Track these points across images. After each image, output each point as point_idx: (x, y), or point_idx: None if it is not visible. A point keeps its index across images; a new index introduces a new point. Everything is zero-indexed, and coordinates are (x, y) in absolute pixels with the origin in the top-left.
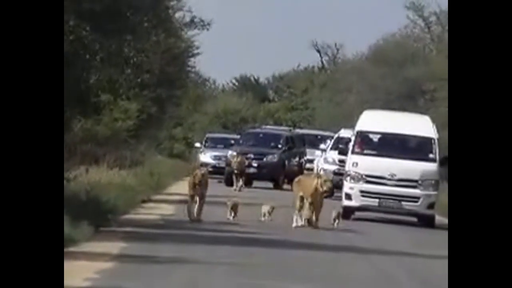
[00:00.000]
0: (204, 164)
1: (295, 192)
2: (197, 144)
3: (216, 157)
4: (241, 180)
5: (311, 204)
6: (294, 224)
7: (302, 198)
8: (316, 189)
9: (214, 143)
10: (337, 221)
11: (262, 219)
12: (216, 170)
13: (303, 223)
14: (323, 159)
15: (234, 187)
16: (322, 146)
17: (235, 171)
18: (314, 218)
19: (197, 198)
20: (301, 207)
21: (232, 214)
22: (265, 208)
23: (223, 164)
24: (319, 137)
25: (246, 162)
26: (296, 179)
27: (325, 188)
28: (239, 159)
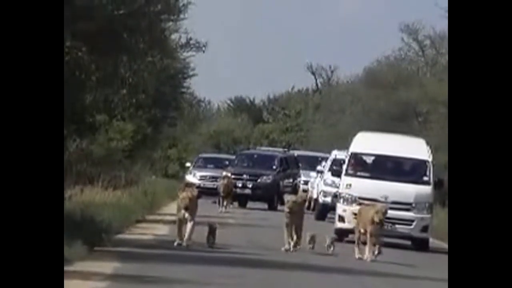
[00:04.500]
0: (190, 184)
1: (356, 223)
2: (188, 164)
3: (202, 177)
4: (225, 202)
5: (370, 235)
6: (356, 256)
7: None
8: (372, 220)
9: (204, 163)
10: (332, 247)
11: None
12: (200, 190)
13: (360, 255)
14: (323, 181)
15: (220, 208)
16: (318, 168)
17: (221, 193)
18: (368, 249)
19: (187, 221)
20: (359, 239)
21: (211, 239)
22: (309, 235)
23: (208, 185)
24: (313, 158)
25: (241, 183)
26: (357, 210)
27: (376, 220)
28: (225, 182)
